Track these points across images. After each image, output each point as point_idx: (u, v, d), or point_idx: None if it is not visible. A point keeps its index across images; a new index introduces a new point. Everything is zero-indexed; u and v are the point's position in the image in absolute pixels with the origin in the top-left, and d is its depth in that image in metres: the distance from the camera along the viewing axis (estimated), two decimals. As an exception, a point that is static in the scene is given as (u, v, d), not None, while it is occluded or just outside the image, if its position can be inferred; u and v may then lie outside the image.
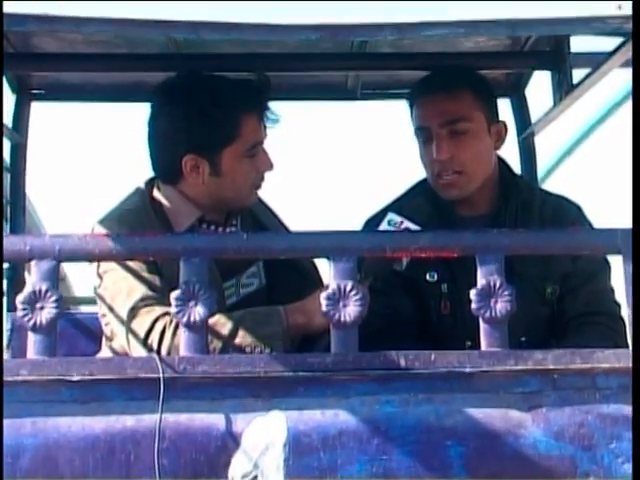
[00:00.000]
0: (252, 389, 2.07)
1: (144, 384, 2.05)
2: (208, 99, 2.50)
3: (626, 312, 2.15)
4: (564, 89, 2.74)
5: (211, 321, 2.19)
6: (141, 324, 2.34)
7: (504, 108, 3.03)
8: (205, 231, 2.56)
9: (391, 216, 2.44)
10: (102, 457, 2.03)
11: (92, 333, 3.01)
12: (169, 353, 2.26)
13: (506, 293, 2.11)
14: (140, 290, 2.39)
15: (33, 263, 2.07)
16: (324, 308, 2.09)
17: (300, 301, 2.41)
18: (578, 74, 2.71)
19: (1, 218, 2.99)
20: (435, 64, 2.76)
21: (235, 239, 2.24)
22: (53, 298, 2.06)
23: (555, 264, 2.66)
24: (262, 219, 2.76)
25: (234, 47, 2.69)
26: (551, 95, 2.87)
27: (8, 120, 3.07)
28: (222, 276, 2.57)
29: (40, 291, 2.06)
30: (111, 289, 2.44)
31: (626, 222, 2.17)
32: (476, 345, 2.15)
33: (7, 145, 3.14)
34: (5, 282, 3.01)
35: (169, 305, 2.13)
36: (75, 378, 2.04)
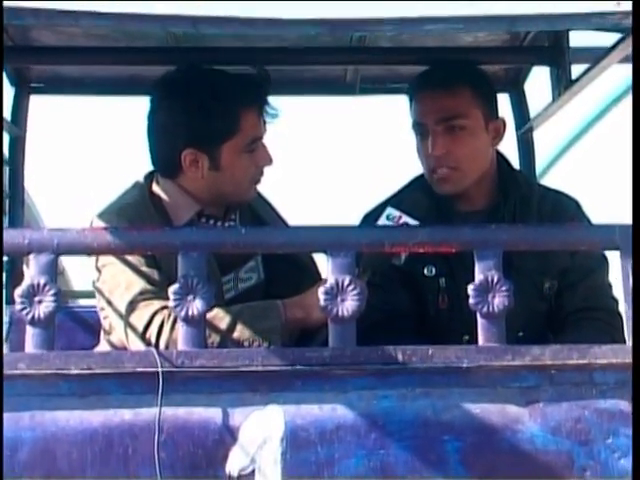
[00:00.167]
0: (250, 383, 2.07)
1: (142, 378, 2.05)
2: (208, 93, 2.50)
3: (623, 308, 2.15)
4: (563, 84, 2.74)
5: (209, 315, 2.19)
6: (139, 318, 2.35)
7: (503, 103, 3.02)
8: (204, 225, 2.57)
9: (389, 210, 2.44)
10: (100, 451, 2.03)
11: (90, 327, 3.01)
12: (167, 347, 2.26)
13: (504, 288, 2.11)
14: (139, 284, 2.39)
15: (32, 256, 2.08)
16: (322, 302, 2.10)
17: (298, 295, 2.41)
18: (577, 70, 2.72)
19: (0, 211, 2.99)
20: (434, 59, 2.76)
21: (233, 233, 2.25)
22: (51, 292, 2.06)
23: (553, 259, 2.66)
24: (261, 214, 2.76)
25: (233, 41, 2.69)
26: (550, 90, 2.88)
27: (7, 113, 3.07)
28: (221, 270, 2.57)
29: (38, 285, 2.06)
30: (110, 283, 2.45)
31: (624, 218, 2.17)
32: (474, 339, 2.15)
33: (6, 138, 3.13)
34: (4, 275, 3.01)
35: (167, 299, 2.13)
36: (73, 372, 2.04)
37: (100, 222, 2.46)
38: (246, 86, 2.55)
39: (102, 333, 2.61)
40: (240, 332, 2.33)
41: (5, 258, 2.98)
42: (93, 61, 2.83)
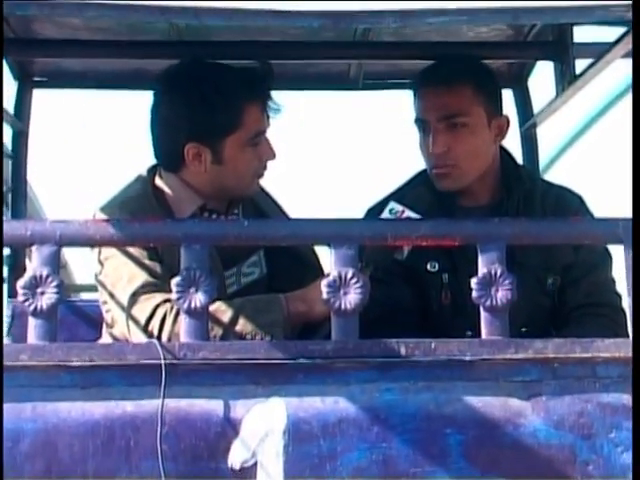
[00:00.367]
0: (252, 376, 2.07)
1: (144, 370, 2.04)
2: (211, 87, 2.50)
3: (627, 303, 2.15)
4: (567, 79, 2.74)
5: (212, 309, 2.19)
6: (142, 310, 2.34)
7: (506, 99, 3.01)
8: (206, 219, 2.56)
9: (392, 205, 2.44)
10: (102, 443, 2.02)
11: (93, 320, 3.01)
12: (169, 340, 2.26)
13: (507, 282, 2.10)
14: (141, 277, 2.39)
15: (34, 248, 2.07)
16: (325, 295, 2.09)
17: (301, 289, 2.41)
18: (581, 65, 2.71)
19: (1, 204, 2.98)
20: (437, 54, 2.76)
21: (236, 226, 2.24)
22: (54, 283, 2.05)
23: (557, 255, 2.66)
24: (264, 208, 2.76)
25: (236, 35, 2.69)
26: (554, 86, 2.87)
27: (10, 107, 3.07)
28: (223, 265, 2.57)
29: (41, 276, 2.05)
30: (112, 276, 2.44)
31: (627, 212, 2.16)
32: (477, 335, 2.14)
33: (9, 132, 3.13)
34: (5, 269, 3.01)
35: (170, 292, 2.13)
36: (75, 363, 2.04)
37: (102, 215, 2.46)
38: (249, 80, 2.54)
39: (104, 327, 2.60)
40: (242, 325, 2.33)
41: (7, 251, 2.98)
42: (95, 54, 2.83)
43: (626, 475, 2.04)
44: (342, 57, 2.94)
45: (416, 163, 2.81)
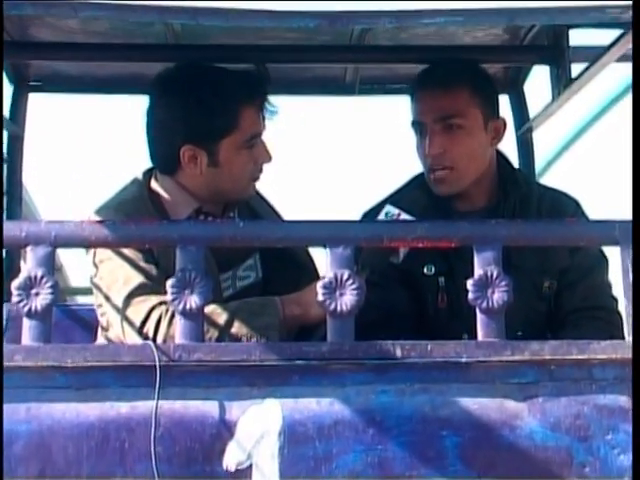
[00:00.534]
0: (247, 377, 2.06)
1: (139, 371, 2.03)
2: (207, 89, 2.50)
3: (623, 305, 2.14)
4: (563, 83, 2.73)
5: (207, 311, 2.18)
6: (137, 313, 2.34)
7: (502, 104, 3.01)
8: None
9: (388, 208, 2.44)
10: (96, 444, 2.01)
11: (88, 325, 3.00)
12: (164, 343, 2.25)
13: (503, 283, 2.10)
14: (137, 279, 2.38)
15: (29, 249, 2.06)
16: (320, 297, 2.08)
17: (297, 292, 2.40)
18: (577, 69, 2.71)
19: (1, 205, 2.97)
20: (434, 58, 2.76)
21: (231, 227, 2.23)
22: (49, 284, 2.05)
23: (553, 259, 2.66)
24: (259, 212, 2.75)
25: (233, 39, 2.69)
26: (549, 90, 2.87)
27: (5, 111, 3.06)
28: (219, 268, 2.57)
29: (35, 277, 2.05)
30: (107, 278, 2.44)
31: (623, 216, 2.16)
32: (473, 339, 2.14)
33: (4, 136, 3.12)
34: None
35: (165, 294, 2.12)
36: (70, 365, 2.03)
37: (98, 218, 2.45)
38: (245, 82, 2.54)
39: (99, 330, 2.59)
40: (238, 328, 2.32)
41: (1, 253, 2.96)
42: (91, 57, 2.82)
43: (623, 477, 2.03)
44: (338, 61, 2.94)
45: (412, 167, 2.82)
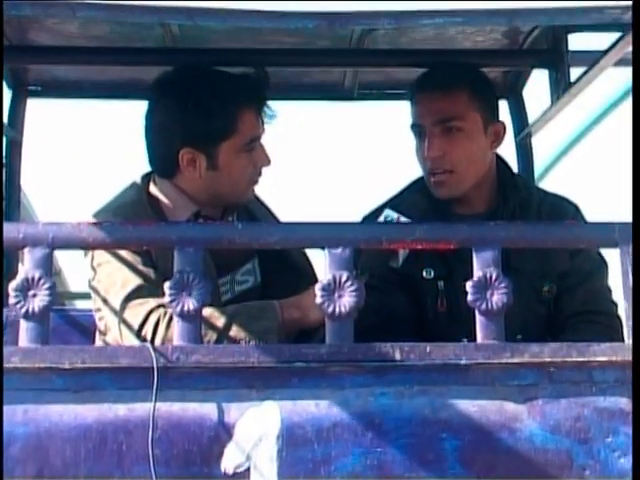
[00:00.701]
0: (246, 379, 2.05)
1: (137, 373, 2.03)
2: (206, 93, 2.49)
3: (623, 308, 2.13)
4: (562, 87, 2.73)
5: (205, 315, 2.17)
6: (135, 315, 2.33)
7: (501, 109, 3.01)
8: (200, 224, 2.55)
9: (388, 212, 2.43)
10: (94, 446, 2.01)
11: (86, 330, 2.99)
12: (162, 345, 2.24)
13: (502, 285, 2.09)
14: (135, 282, 2.37)
15: (26, 250, 2.05)
16: (319, 299, 2.07)
17: (295, 296, 2.39)
18: (576, 73, 2.71)
19: (1, 206, 2.96)
20: (433, 61, 2.76)
21: (230, 229, 2.23)
22: (46, 286, 2.04)
23: (553, 262, 2.65)
24: (258, 216, 2.75)
25: (232, 42, 2.69)
26: (548, 95, 2.87)
27: (4, 116, 3.06)
28: (217, 272, 2.56)
29: (33, 279, 2.04)
30: (105, 281, 2.43)
31: (622, 219, 2.15)
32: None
33: (3, 140, 3.12)
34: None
35: (163, 298, 2.11)
36: (67, 366, 2.02)
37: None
38: (244, 86, 2.54)
39: (97, 334, 2.58)
40: (236, 332, 2.32)
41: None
42: (90, 61, 2.82)
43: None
44: (337, 64, 2.94)
45: (412, 171, 2.81)
